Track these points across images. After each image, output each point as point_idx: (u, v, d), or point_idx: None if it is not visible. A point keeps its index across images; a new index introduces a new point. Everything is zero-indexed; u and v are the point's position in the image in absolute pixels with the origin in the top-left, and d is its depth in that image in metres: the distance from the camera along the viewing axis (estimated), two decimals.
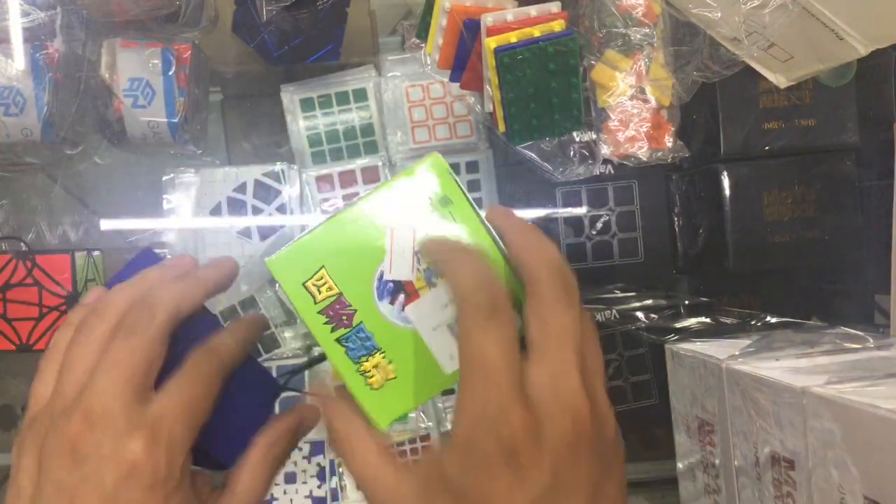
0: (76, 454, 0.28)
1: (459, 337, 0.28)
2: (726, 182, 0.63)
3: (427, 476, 0.29)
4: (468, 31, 0.52)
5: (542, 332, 0.28)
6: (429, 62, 0.59)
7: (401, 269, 0.32)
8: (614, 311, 0.65)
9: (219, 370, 0.32)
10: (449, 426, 0.33)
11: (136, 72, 0.63)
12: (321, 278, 0.32)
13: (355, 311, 0.32)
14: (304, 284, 0.32)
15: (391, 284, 0.32)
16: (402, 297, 0.32)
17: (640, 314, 0.65)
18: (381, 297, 0.32)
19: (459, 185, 0.33)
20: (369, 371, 0.32)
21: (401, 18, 0.75)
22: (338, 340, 0.32)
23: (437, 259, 0.31)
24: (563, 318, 0.28)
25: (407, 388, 0.32)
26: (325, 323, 0.32)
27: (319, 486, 0.70)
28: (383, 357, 0.32)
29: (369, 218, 0.32)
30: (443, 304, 0.32)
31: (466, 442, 0.27)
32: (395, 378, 0.32)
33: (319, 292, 0.32)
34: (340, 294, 0.32)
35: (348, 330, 0.32)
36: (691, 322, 0.64)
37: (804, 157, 0.64)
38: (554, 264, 0.29)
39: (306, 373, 0.68)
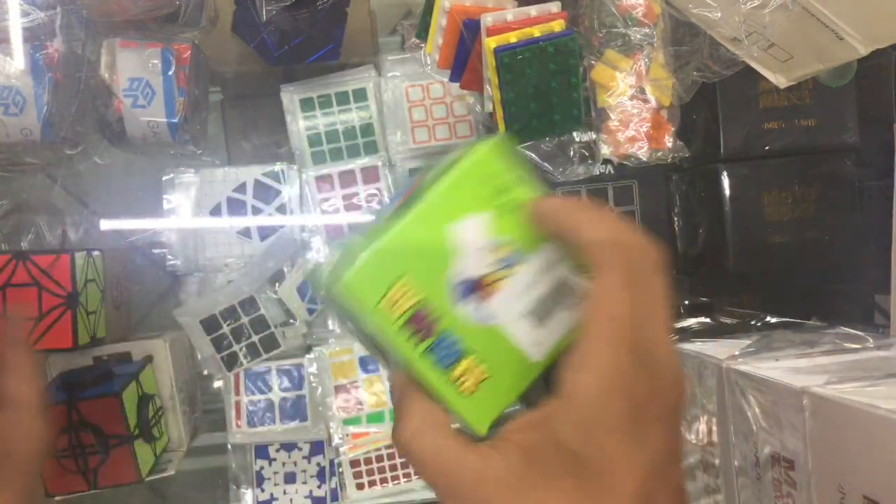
0: None
1: (593, 293, 0.27)
2: (726, 182, 0.63)
3: (527, 447, 0.27)
4: (468, 31, 0.52)
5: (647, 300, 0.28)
6: (429, 62, 0.59)
7: (476, 264, 0.30)
8: None
9: None
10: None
11: (135, 72, 0.63)
12: (401, 287, 0.29)
13: (439, 317, 0.29)
14: (382, 298, 0.28)
15: (468, 282, 0.30)
16: (479, 293, 0.30)
17: None
18: (460, 298, 0.29)
19: (524, 171, 0.30)
20: (461, 377, 0.30)
21: (401, 18, 0.75)
22: (425, 352, 0.29)
23: (562, 220, 0.29)
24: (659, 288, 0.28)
25: (500, 385, 0.30)
26: (411, 337, 0.29)
27: (319, 487, 0.70)
28: (473, 359, 0.30)
29: (439, 212, 0.29)
30: (523, 290, 0.30)
31: (593, 402, 0.26)
32: (489, 378, 0.30)
33: (398, 304, 0.29)
34: (421, 301, 0.29)
35: (434, 338, 0.29)
36: (691, 322, 0.64)
37: (804, 157, 0.64)
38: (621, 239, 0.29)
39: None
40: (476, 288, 0.30)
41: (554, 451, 0.26)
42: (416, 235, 0.29)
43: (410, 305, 0.29)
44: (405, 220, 0.29)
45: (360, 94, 0.69)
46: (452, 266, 0.29)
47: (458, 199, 0.30)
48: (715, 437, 0.52)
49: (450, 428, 0.28)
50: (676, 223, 0.68)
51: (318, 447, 0.70)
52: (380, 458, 0.69)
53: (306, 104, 0.69)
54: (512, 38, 0.49)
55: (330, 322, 0.71)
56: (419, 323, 0.29)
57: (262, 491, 0.70)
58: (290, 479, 0.70)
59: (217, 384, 0.70)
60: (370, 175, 0.69)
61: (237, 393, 0.69)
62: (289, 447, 0.70)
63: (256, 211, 0.68)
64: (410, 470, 0.69)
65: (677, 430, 0.28)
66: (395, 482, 0.70)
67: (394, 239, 0.29)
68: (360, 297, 0.28)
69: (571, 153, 0.62)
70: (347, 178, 0.69)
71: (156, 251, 0.71)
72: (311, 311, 0.69)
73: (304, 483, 0.70)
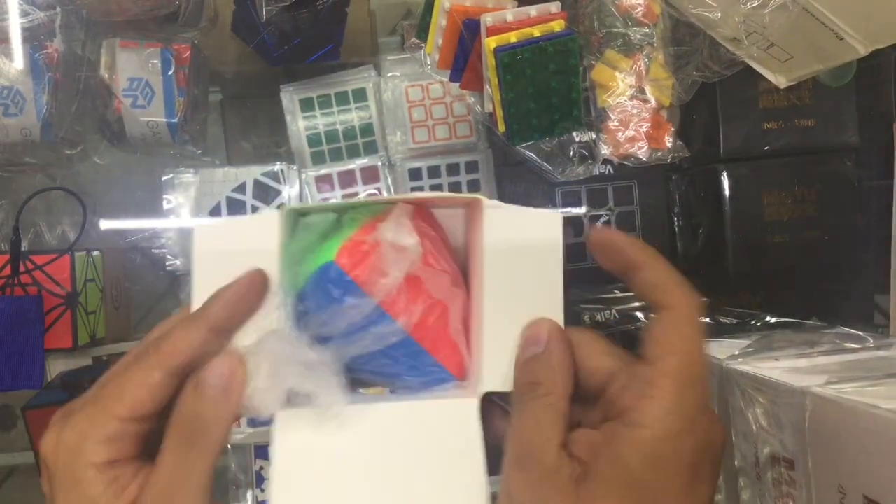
0: None
1: (664, 328, 0.28)
2: (726, 182, 0.63)
3: (590, 464, 0.28)
4: (468, 31, 0.52)
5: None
6: (428, 62, 0.59)
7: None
8: (614, 311, 0.65)
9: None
10: None
11: (135, 72, 0.63)
12: None
13: None
14: None
15: None
16: None
17: (640, 314, 0.65)
18: None
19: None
20: None
21: (401, 18, 0.75)
22: None
23: (629, 256, 0.30)
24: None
25: None
26: None
27: None
28: None
29: None
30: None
31: (665, 436, 0.26)
32: None
33: None
34: None
35: None
36: None
37: (804, 157, 0.64)
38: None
39: None
40: None
41: (617, 474, 0.27)
42: None
43: None
44: None
45: (360, 94, 0.69)
46: None
47: None
48: None
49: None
50: (676, 223, 0.68)
51: None
52: None
53: (306, 104, 0.69)
54: (512, 38, 0.49)
55: None
56: None
57: (262, 491, 0.70)
58: None
59: None
60: (370, 175, 0.69)
61: None
62: None
63: (256, 211, 0.68)
64: None
65: (717, 480, 0.28)
66: None
67: None
68: None
69: (571, 153, 0.62)
70: (347, 178, 0.69)
71: (156, 251, 0.71)
72: None
73: None
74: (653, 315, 0.29)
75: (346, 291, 0.30)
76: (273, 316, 0.30)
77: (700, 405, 0.27)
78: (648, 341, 0.28)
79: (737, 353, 0.51)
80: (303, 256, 0.31)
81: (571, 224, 0.66)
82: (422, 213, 0.33)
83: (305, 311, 0.31)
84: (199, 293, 0.30)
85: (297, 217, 0.33)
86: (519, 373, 0.30)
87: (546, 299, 0.31)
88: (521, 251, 0.31)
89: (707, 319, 0.64)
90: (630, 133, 0.60)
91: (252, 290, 0.30)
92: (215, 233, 0.31)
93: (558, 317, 0.31)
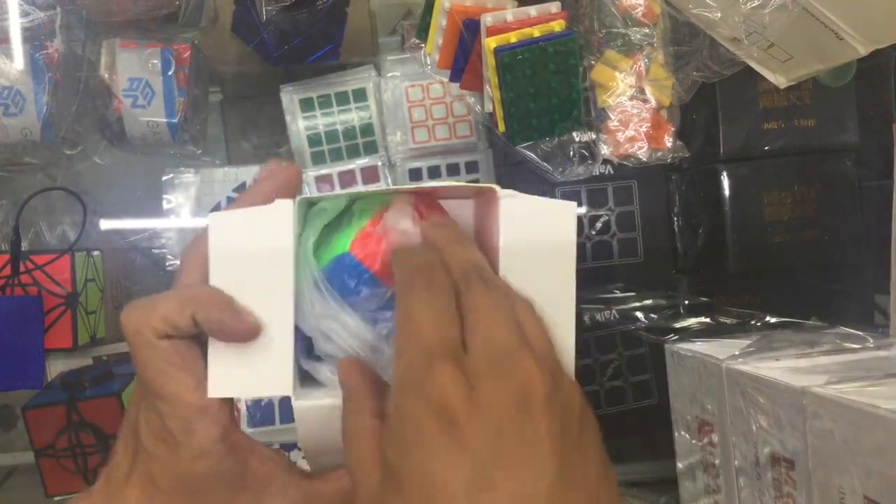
0: None
1: (396, 304, 0.28)
2: (726, 182, 0.63)
3: (370, 465, 0.27)
4: (468, 31, 0.52)
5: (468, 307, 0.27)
6: (429, 62, 0.59)
7: None
8: (614, 311, 0.65)
9: None
10: None
11: (135, 72, 0.63)
12: None
13: None
14: None
15: None
16: None
17: (639, 314, 0.65)
18: None
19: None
20: None
21: (401, 18, 0.75)
22: None
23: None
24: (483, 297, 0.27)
25: None
26: None
27: None
28: None
29: None
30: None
31: (396, 411, 0.25)
32: None
33: None
34: None
35: None
36: (691, 322, 0.64)
37: (804, 157, 0.64)
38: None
39: None
40: None
41: (385, 469, 0.26)
42: None
43: None
44: None
45: (360, 94, 0.69)
46: None
47: None
48: (715, 437, 0.52)
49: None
50: (676, 223, 0.68)
51: None
52: None
53: (306, 104, 0.69)
54: (512, 38, 0.49)
55: None
56: None
57: None
58: None
59: None
60: (370, 175, 0.69)
61: None
62: (289, 447, 0.70)
63: None
64: None
65: (523, 425, 0.25)
66: None
67: None
68: None
69: (571, 153, 0.62)
70: (347, 178, 0.69)
71: (156, 251, 0.71)
72: None
73: None
74: None
75: (360, 280, 0.31)
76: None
77: (429, 354, 0.25)
78: None
79: (737, 353, 0.51)
80: (317, 248, 0.32)
81: None
82: (431, 202, 0.33)
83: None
84: (216, 284, 0.30)
85: (308, 205, 0.33)
86: None
87: (558, 295, 0.30)
88: (536, 244, 0.30)
89: (707, 319, 0.64)
90: (630, 133, 0.60)
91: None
92: (230, 224, 0.31)
93: (570, 312, 0.30)
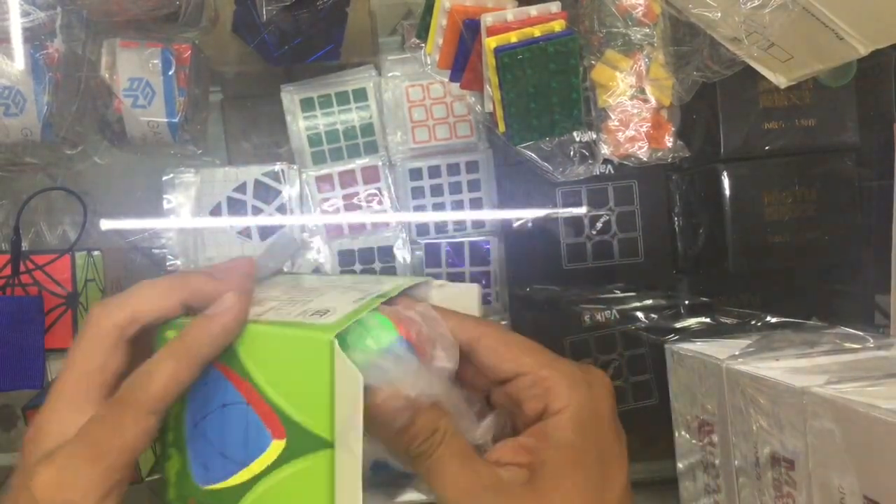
0: None
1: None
2: (726, 182, 0.63)
3: (547, 455, 0.31)
4: (468, 31, 0.52)
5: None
6: (429, 62, 0.59)
7: None
8: (614, 311, 0.65)
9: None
10: None
11: (135, 72, 0.63)
12: None
13: None
14: None
15: None
16: None
17: (640, 314, 0.65)
18: None
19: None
20: None
21: (401, 18, 0.75)
22: None
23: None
24: None
25: None
26: None
27: None
28: None
29: None
30: None
31: (582, 407, 0.31)
32: None
33: None
34: None
35: None
36: (691, 322, 0.64)
37: (804, 157, 0.64)
38: None
39: None
40: None
41: (562, 454, 0.30)
42: None
43: None
44: None
45: (360, 94, 0.69)
46: None
47: None
48: (715, 437, 0.52)
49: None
50: (676, 223, 0.68)
51: None
52: None
53: (306, 104, 0.69)
54: (512, 38, 0.49)
55: None
56: None
57: None
58: None
59: None
60: (370, 175, 0.69)
61: None
62: None
63: (256, 211, 0.68)
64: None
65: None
66: None
67: None
68: None
69: (571, 153, 0.62)
70: (347, 178, 0.69)
71: (156, 251, 0.71)
72: None
73: None
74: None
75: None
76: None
77: (579, 369, 0.32)
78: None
79: (737, 353, 0.51)
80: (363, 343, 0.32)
81: (572, 224, 0.66)
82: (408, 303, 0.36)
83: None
84: None
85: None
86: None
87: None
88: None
89: (707, 319, 0.65)
90: (630, 133, 0.60)
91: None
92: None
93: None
